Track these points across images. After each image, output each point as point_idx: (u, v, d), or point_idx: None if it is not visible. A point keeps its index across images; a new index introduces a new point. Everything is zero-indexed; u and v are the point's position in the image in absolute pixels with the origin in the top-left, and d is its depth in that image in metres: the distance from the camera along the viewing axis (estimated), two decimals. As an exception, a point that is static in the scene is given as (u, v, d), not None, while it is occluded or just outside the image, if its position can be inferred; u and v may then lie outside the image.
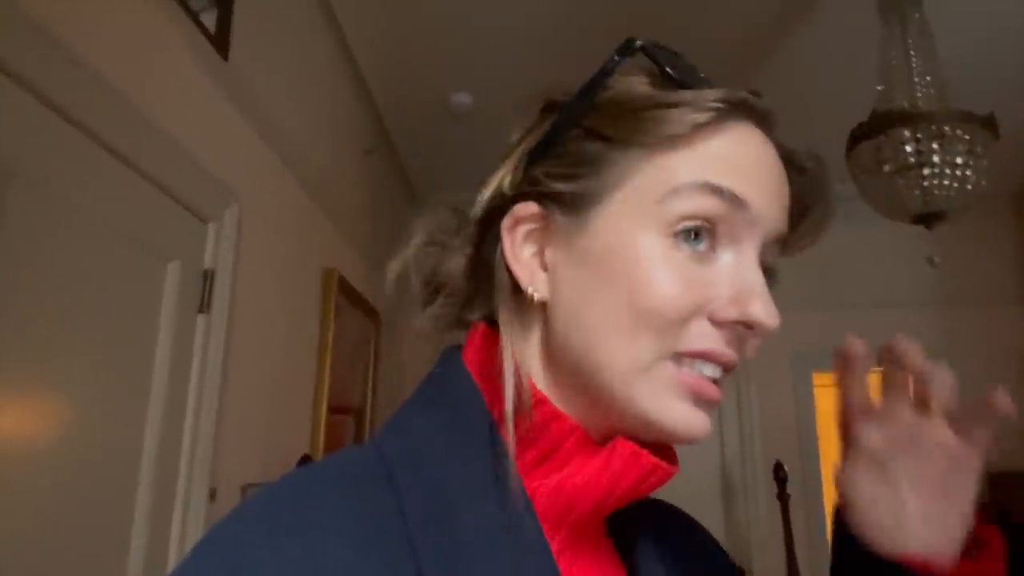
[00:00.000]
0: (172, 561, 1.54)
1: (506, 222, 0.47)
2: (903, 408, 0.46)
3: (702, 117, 0.42)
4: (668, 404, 0.42)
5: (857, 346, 0.46)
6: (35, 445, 1.19)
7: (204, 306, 1.70)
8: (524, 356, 0.45)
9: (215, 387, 1.71)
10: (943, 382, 0.44)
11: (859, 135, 1.98)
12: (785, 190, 0.45)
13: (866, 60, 2.19)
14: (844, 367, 0.47)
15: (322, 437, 2.51)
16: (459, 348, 0.50)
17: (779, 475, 3.24)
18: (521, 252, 0.46)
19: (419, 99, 3.19)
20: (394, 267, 0.52)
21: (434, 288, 0.52)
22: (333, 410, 2.65)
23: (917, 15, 2.05)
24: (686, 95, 0.43)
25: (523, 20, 2.60)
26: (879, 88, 2.04)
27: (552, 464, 0.44)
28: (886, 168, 1.89)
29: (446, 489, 0.40)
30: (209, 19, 1.73)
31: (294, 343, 2.36)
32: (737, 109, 0.43)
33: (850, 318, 3.94)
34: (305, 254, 2.45)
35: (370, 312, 3.24)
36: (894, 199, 1.92)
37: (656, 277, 0.42)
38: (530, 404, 0.43)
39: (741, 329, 0.42)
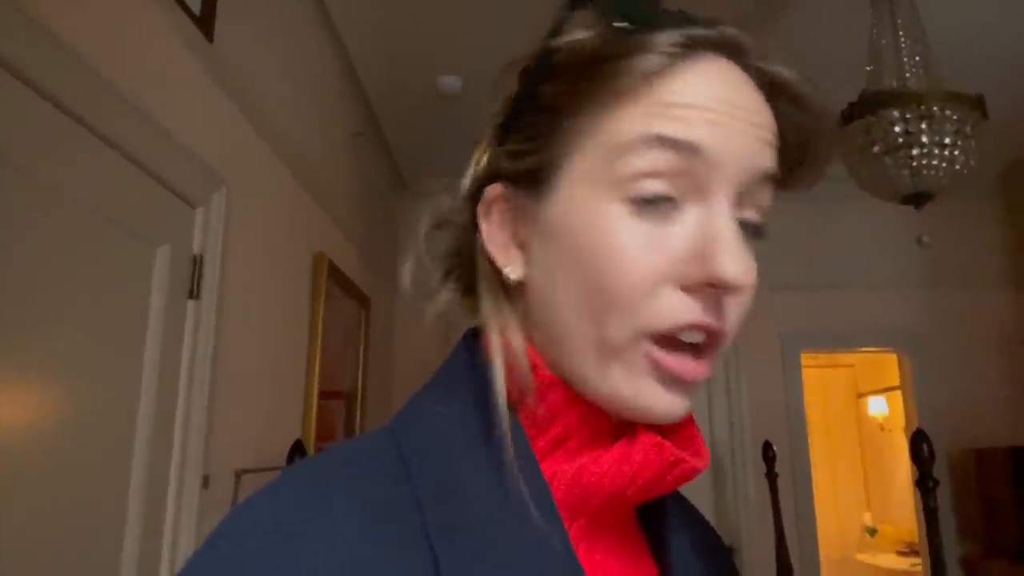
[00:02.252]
0: (166, 549, 1.54)
1: (480, 206, 0.46)
2: None
3: (653, 63, 0.39)
4: (642, 387, 0.40)
5: None
6: (24, 434, 1.18)
7: (194, 292, 1.69)
8: (532, 338, 0.44)
9: (206, 373, 1.71)
10: None
11: (849, 116, 1.98)
12: (763, 121, 0.41)
13: (856, 40, 2.19)
14: None
15: (313, 422, 2.51)
16: (476, 332, 0.48)
17: (768, 455, 3.27)
18: (497, 234, 0.46)
19: (408, 82, 3.16)
20: (409, 262, 0.49)
21: (445, 271, 0.51)
22: (324, 395, 2.65)
23: (906, -5, 2.05)
24: (635, 42, 0.39)
25: (513, 1, 2.58)
26: (868, 69, 2.04)
27: (568, 448, 0.43)
28: (875, 149, 1.89)
29: (461, 475, 0.39)
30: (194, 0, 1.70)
31: (284, 328, 2.35)
32: (697, 47, 0.40)
33: (839, 299, 4.00)
34: (294, 239, 2.44)
35: (360, 297, 3.23)
36: (883, 179, 1.93)
37: (614, 248, 0.39)
38: (532, 387, 0.42)
39: (711, 291, 0.38)
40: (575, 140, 0.42)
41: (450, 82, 3.12)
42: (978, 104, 1.86)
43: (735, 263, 0.37)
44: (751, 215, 0.41)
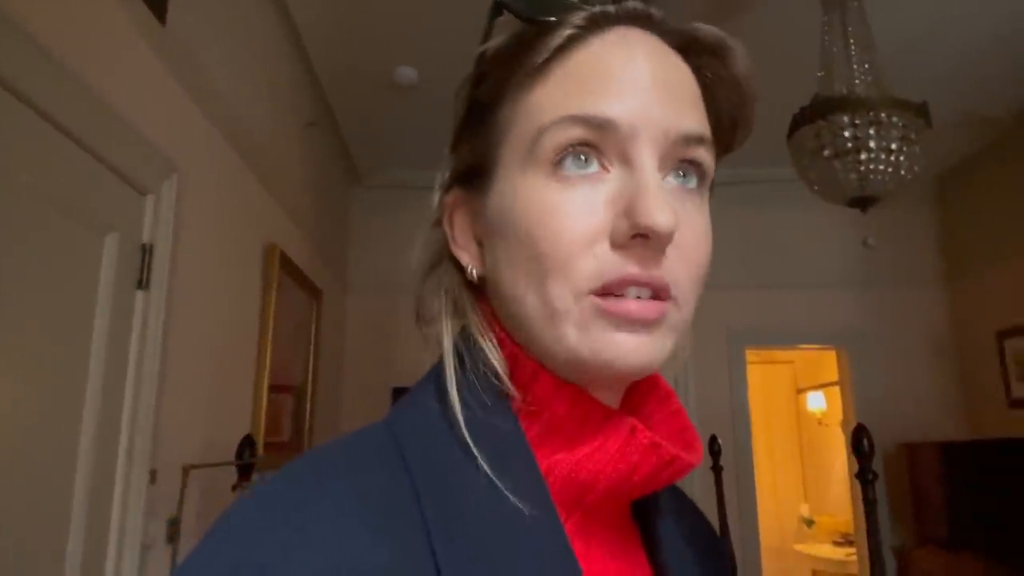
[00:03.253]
0: (112, 546, 1.50)
1: (445, 215, 0.49)
2: None
3: (561, 38, 0.41)
4: (596, 337, 0.40)
5: None
6: (-34, 427, 1.13)
7: (143, 281, 1.64)
8: (507, 330, 0.45)
9: (154, 366, 1.66)
10: None
11: (800, 120, 2.03)
12: (677, 81, 0.43)
13: (808, 46, 2.25)
14: None
15: (263, 416, 2.47)
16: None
17: (713, 448, 3.34)
18: (460, 237, 0.48)
19: (362, 72, 3.12)
20: (418, 256, 0.50)
21: (425, 271, 0.51)
22: (274, 389, 2.60)
23: (856, 3, 2.11)
24: (546, 26, 0.42)
25: (471, -6, 2.57)
26: (820, 74, 2.10)
27: (560, 437, 0.43)
28: (825, 152, 1.95)
29: (457, 469, 0.39)
30: (146, -20, 1.65)
31: (235, 320, 2.30)
32: (607, 23, 0.42)
33: (784, 297, 4.12)
34: (246, 229, 2.38)
35: (311, 289, 3.18)
36: (832, 182, 1.99)
37: (543, 215, 0.40)
38: (519, 378, 0.43)
39: (642, 242, 0.39)
40: (504, 129, 0.44)
41: (406, 73, 3.09)
42: (922, 111, 1.94)
43: (658, 210, 0.38)
44: (684, 176, 0.42)
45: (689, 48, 0.44)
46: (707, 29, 0.44)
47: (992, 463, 3.53)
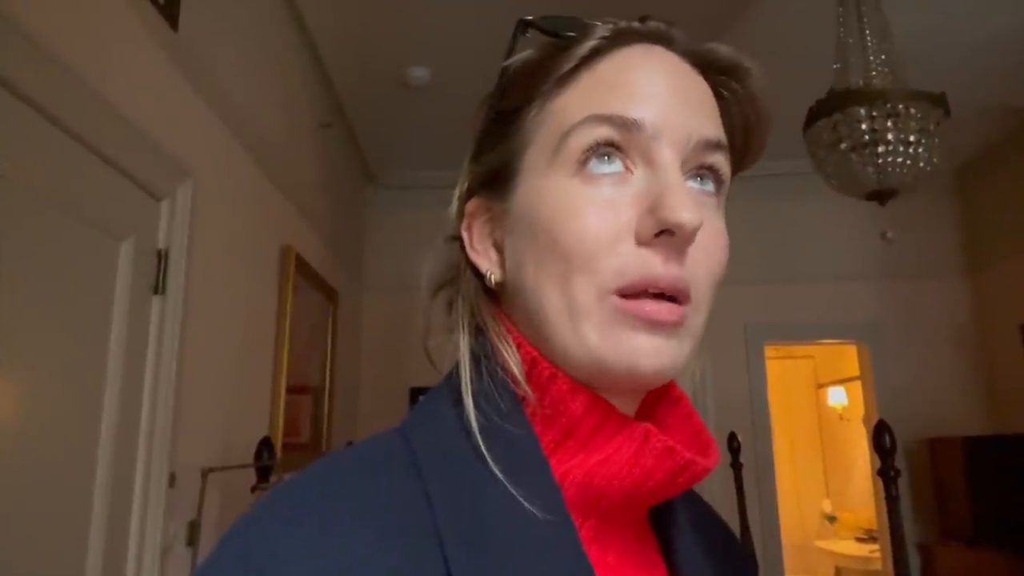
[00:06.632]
0: (132, 549, 1.51)
1: (464, 223, 0.49)
2: None
3: (588, 47, 0.43)
4: (619, 339, 0.40)
5: None
6: (-14, 434, 1.14)
7: (159, 287, 1.65)
8: (525, 335, 0.45)
9: (172, 370, 1.67)
10: None
11: (816, 113, 2.01)
12: (697, 91, 0.45)
13: (824, 38, 2.22)
14: None
15: (281, 418, 2.48)
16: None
17: (732, 445, 3.32)
18: (478, 244, 0.49)
19: (375, 73, 3.13)
20: (428, 269, 0.51)
21: (438, 284, 0.52)
22: (291, 390, 2.62)
23: (872, -6, 2.08)
24: (572, 38, 0.44)
25: (482, -7, 2.56)
26: (835, 67, 2.07)
27: (577, 440, 0.42)
28: (842, 145, 1.92)
29: (471, 476, 0.39)
30: (157, -13, 1.65)
31: (252, 323, 2.31)
32: (625, 37, 0.45)
33: (802, 292, 4.08)
34: (261, 232, 2.40)
35: (327, 290, 3.19)
36: (849, 176, 1.96)
37: (568, 213, 0.41)
38: (535, 382, 0.43)
39: (666, 239, 0.40)
40: (529, 134, 0.45)
41: (418, 73, 3.09)
42: (941, 102, 1.90)
43: (683, 207, 0.39)
44: (702, 181, 0.44)
45: (708, 67, 0.46)
46: (725, 49, 0.47)
47: (1017, 458, 3.47)
